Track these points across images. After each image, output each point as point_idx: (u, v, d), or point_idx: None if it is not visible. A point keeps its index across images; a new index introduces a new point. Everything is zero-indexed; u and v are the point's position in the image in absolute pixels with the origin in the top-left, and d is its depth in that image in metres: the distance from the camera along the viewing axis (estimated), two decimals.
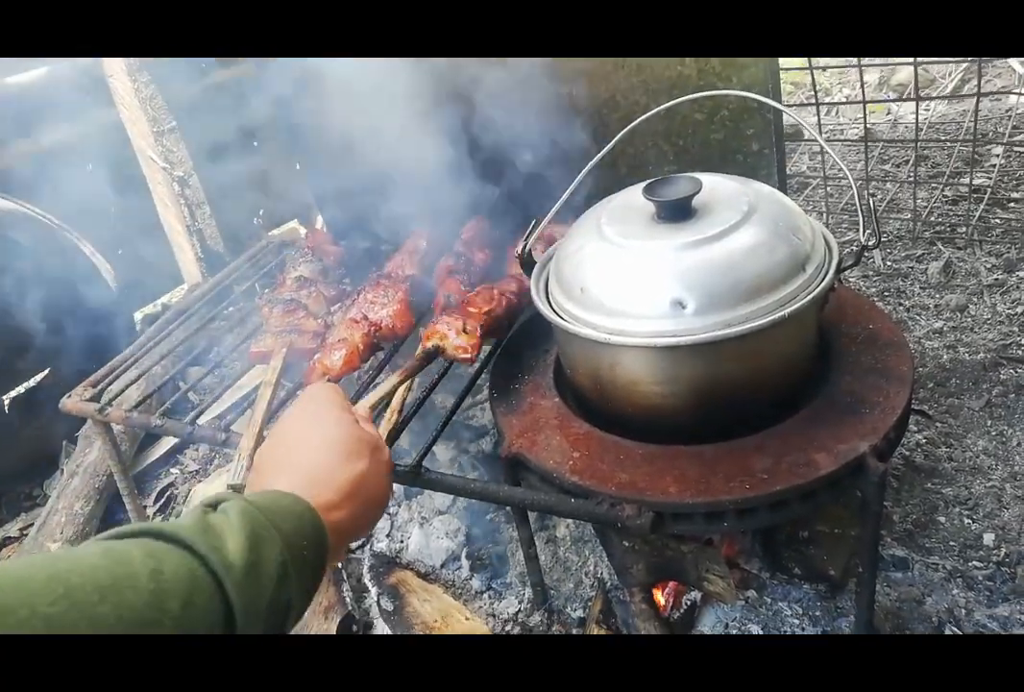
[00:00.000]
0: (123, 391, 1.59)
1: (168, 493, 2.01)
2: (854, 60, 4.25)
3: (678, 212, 1.23)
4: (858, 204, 1.25)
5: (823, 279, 1.17)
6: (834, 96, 4.21)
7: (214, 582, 0.59)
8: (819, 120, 2.71)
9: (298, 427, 0.89)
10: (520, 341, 1.55)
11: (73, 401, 1.54)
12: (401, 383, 1.28)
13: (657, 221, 1.25)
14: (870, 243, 1.21)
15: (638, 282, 1.18)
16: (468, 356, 1.39)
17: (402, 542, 1.65)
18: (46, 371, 2.21)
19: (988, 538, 1.54)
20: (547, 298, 1.33)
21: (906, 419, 1.25)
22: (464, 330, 1.38)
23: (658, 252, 1.18)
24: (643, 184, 1.30)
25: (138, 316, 3.07)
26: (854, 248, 1.31)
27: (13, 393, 2.08)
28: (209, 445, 1.64)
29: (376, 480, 0.85)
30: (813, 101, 2.59)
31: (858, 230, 2.61)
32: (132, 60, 2.67)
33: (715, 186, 1.28)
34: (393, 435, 1.24)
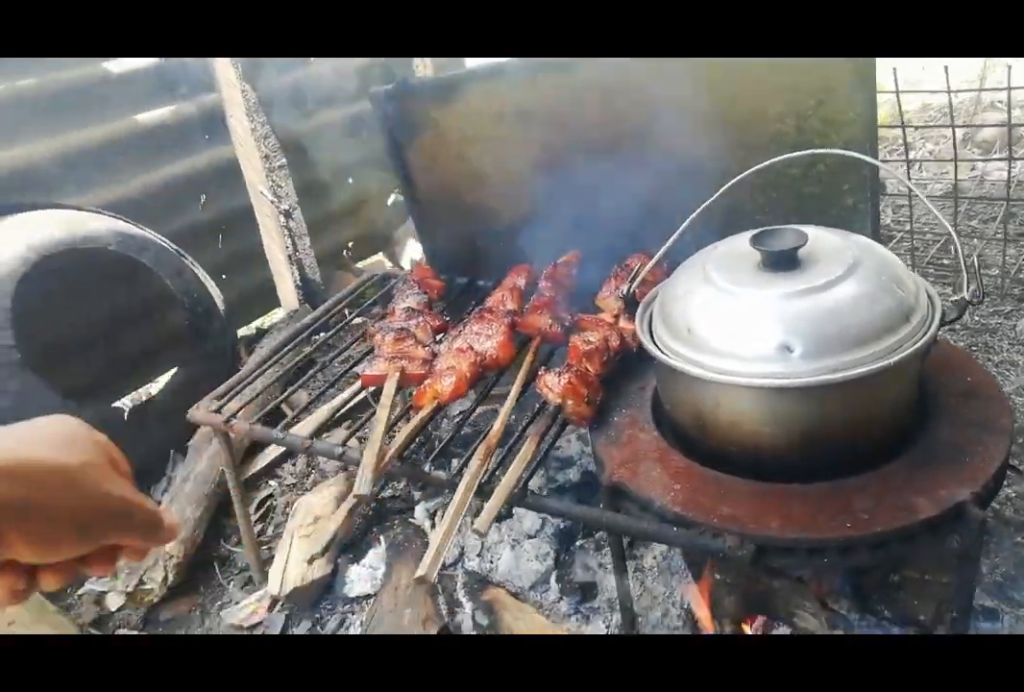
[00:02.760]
0: (242, 407, 1.71)
1: (267, 504, 2.13)
2: (940, 117, 4.27)
3: (785, 262, 1.30)
4: (961, 260, 1.30)
5: (927, 330, 1.22)
6: (917, 151, 4.23)
7: None
8: (908, 175, 2.75)
9: (46, 420, 0.72)
10: (616, 376, 1.62)
11: (201, 412, 1.67)
12: (540, 443, 1.39)
13: (762, 269, 1.32)
14: (975, 299, 1.25)
15: (746, 326, 1.25)
16: (583, 423, 1.50)
17: (491, 562, 1.72)
18: (164, 383, 2.36)
19: None
20: (651, 336, 1.41)
21: (1004, 470, 1.27)
22: (587, 401, 1.46)
23: (766, 299, 1.25)
24: (748, 234, 1.38)
25: None
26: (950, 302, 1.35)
27: (131, 402, 2.22)
28: (327, 458, 1.74)
29: (72, 488, 0.65)
30: (902, 157, 2.63)
31: (944, 284, 2.65)
32: (251, 102, 2.87)
33: (818, 238, 1.35)
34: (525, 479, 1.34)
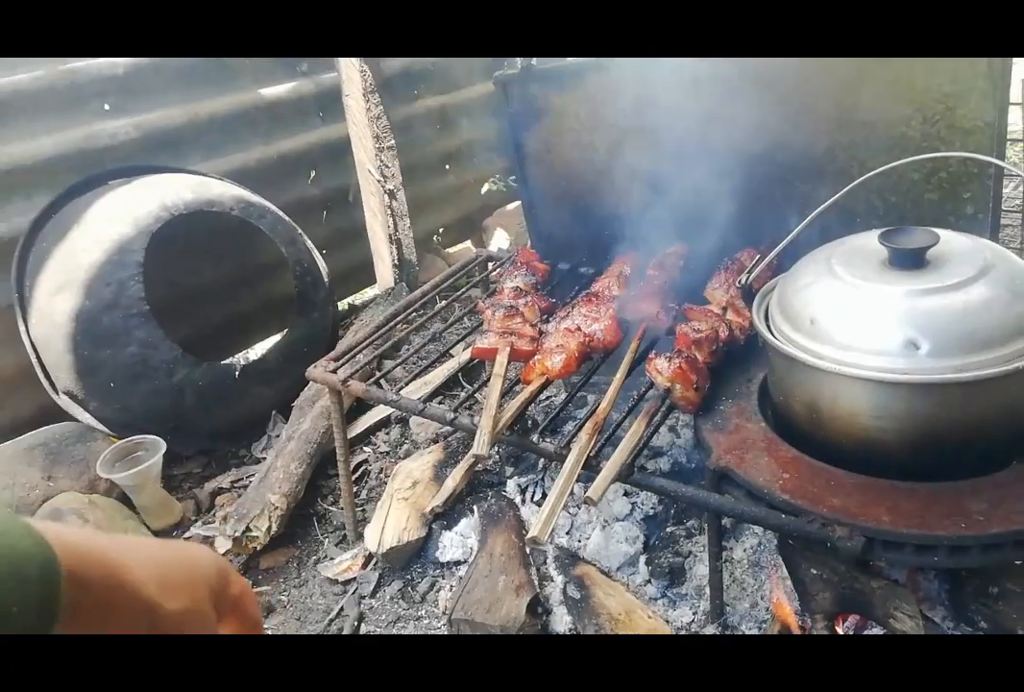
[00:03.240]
0: (357, 371, 1.79)
1: (362, 468, 2.22)
2: None
3: (913, 260, 1.31)
4: None
5: None
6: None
7: None
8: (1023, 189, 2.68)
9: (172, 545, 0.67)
10: (723, 366, 1.64)
11: (319, 371, 1.76)
12: (648, 424, 1.44)
13: (889, 267, 1.33)
14: None
15: (872, 320, 1.26)
16: (691, 409, 1.53)
17: (580, 541, 1.76)
18: (273, 345, 2.47)
19: None
20: (768, 327, 1.43)
21: None
22: (695, 387, 1.49)
23: (894, 295, 1.26)
24: (874, 232, 1.40)
25: None
26: None
27: (242, 361, 2.33)
28: (439, 423, 1.80)
29: (191, 611, 0.61)
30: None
31: None
32: (368, 83, 2.97)
33: (948, 240, 1.35)
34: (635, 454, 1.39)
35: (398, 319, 2.00)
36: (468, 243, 4.24)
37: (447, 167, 3.96)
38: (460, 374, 2.12)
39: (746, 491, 1.34)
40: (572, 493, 1.45)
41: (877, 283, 1.30)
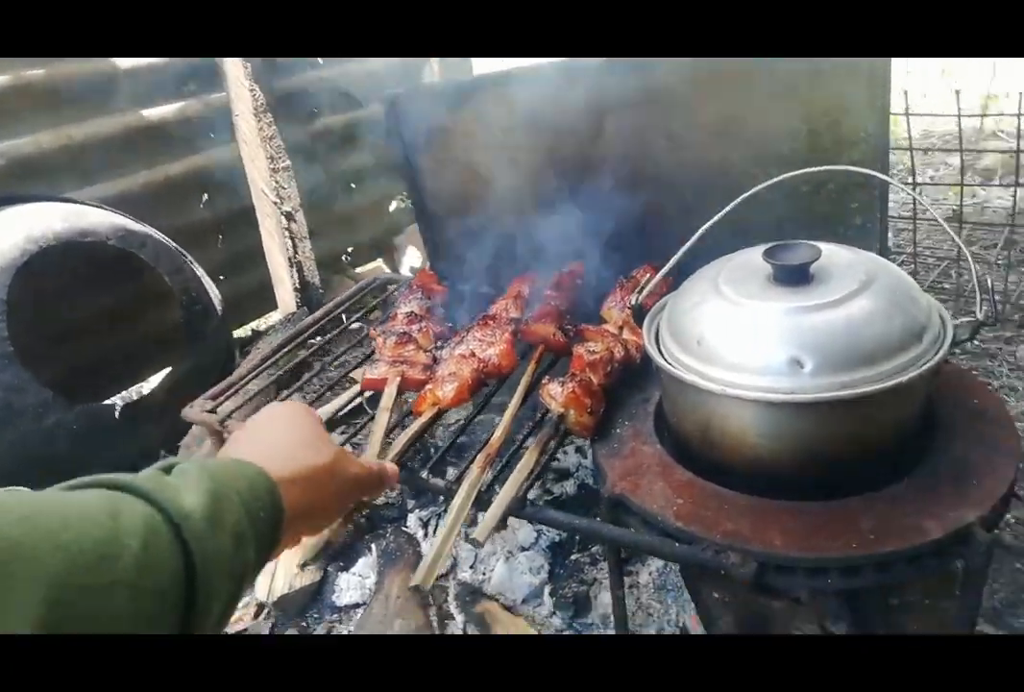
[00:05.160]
0: (238, 408, 1.68)
1: None
2: (941, 144, 4.30)
3: (797, 276, 1.29)
4: (976, 281, 1.29)
5: (939, 350, 1.21)
6: (918, 177, 4.25)
7: (171, 530, 0.58)
8: (914, 199, 2.75)
9: (272, 418, 0.90)
10: (620, 387, 1.60)
11: (195, 411, 1.64)
12: (542, 452, 1.37)
13: (774, 283, 1.31)
14: (987, 319, 1.24)
15: (757, 339, 1.23)
16: (585, 434, 1.48)
17: (484, 574, 1.69)
18: (159, 381, 2.33)
19: None
20: (658, 348, 1.39)
21: (1012, 493, 1.26)
22: (589, 411, 1.44)
23: (778, 312, 1.24)
24: (760, 248, 1.37)
25: None
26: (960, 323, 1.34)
27: (124, 399, 2.19)
28: None
29: (333, 480, 0.84)
30: (905, 181, 2.64)
31: (949, 308, 2.64)
32: (259, 102, 2.86)
33: (831, 253, 1.34)
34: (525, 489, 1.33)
35: (286, 349, 1.90)
36: (380, 262, 4.15)
37: (353, 186, 3.87)
38: (365, 401, 2.03)
39: (641, 519, 1.30)
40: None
41: (760, 300, 1.27)
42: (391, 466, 0.99)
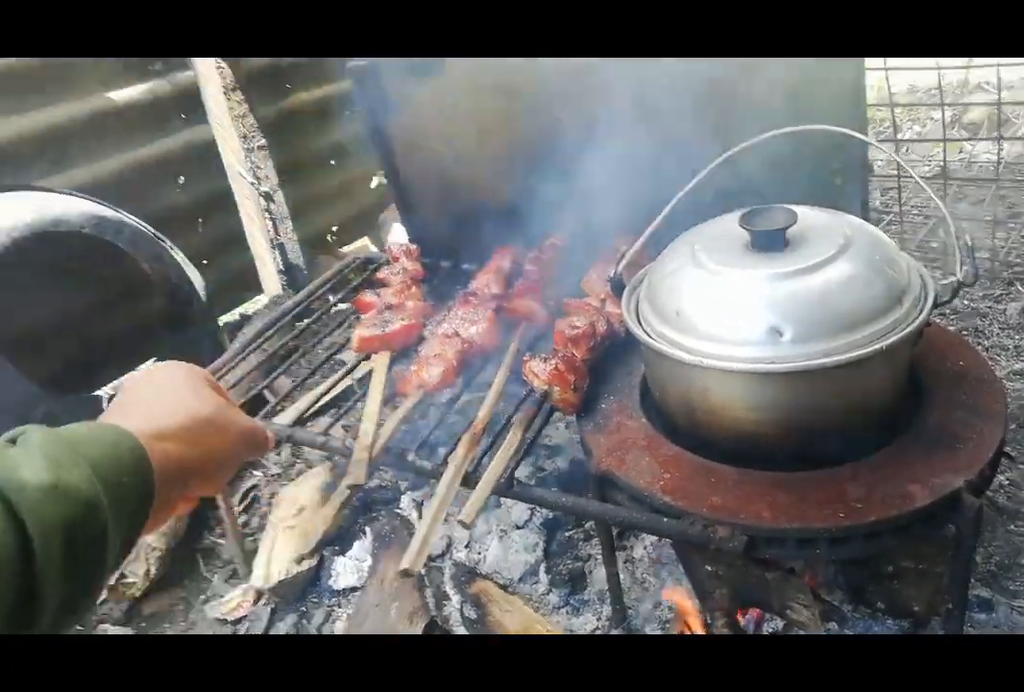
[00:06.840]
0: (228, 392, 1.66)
1: (251, 494, 2.09)
2: (927, 98, 4.24)
3: (773, 242, 1.26)
4: (955, 240, 1.26)
5: (920, 313, 1.19)
6: (904, 133, 4.19)
7: (3, 503, 0.54)
8: (896, 157, 2.71)
9: (148, 376, 0.85)
10: (604, 361, 1.58)
11: None
12: (527, 430, 1.36)
13: (752, 250, 1.28)
14: (968, 280, 1.22)
15: (735, 309, 1.21)
16: (570, 410, 1.46)
17: (480, 554, 1.69)
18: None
19: None
20: (638, 320, 1.37)
21: (999, 457, 1.25)
22: (574, 388, 1.42)
23: (755, 280, 1.21)
24: (737, 213, 1.34)
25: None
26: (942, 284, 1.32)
27: (108, 391, 2.17)
28: (308, 447, 1.70)
29: (218, 431, 0.80)
30: (890, 138, 2.60)
31: (933, 268, 2.62)
32: (228, 80, 2.80)
33: (808, 217, 1.31)
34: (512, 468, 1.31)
35: (269, 333, 1.88)
36: (366, 239, 4.10)
37: (332, 163, 3.80)
38: (356, 382, 2.02)
39: (629, 495, 1.29)
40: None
41: (738, 268, 1.24)
42: (267, 431, 0.91)
